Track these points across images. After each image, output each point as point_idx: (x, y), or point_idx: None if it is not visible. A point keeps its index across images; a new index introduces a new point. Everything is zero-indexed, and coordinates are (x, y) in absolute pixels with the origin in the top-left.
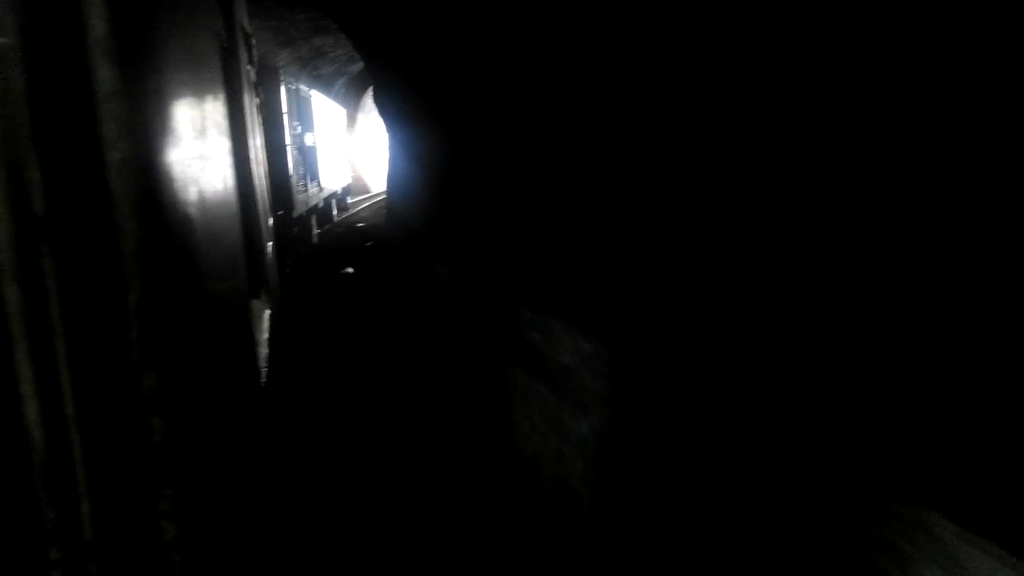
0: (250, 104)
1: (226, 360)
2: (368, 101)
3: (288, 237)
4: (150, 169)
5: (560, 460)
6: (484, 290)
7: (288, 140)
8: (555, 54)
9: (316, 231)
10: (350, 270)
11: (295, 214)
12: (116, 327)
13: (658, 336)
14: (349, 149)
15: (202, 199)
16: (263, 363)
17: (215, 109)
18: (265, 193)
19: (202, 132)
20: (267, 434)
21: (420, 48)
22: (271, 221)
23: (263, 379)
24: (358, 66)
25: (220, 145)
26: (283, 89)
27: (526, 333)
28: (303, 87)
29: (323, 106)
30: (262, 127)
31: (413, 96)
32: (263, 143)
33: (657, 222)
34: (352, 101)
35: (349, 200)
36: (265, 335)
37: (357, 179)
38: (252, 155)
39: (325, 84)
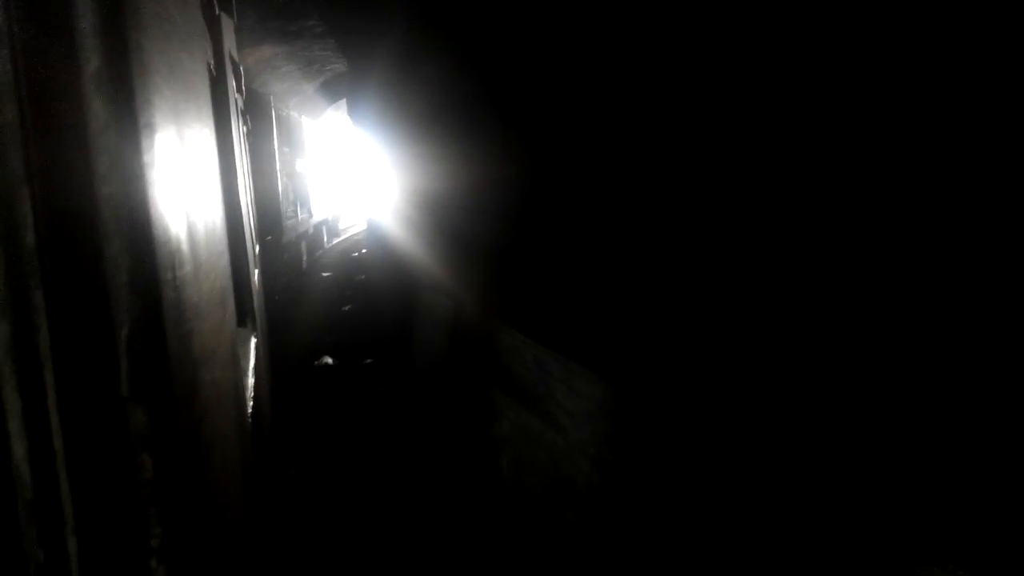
0: (238, 132)
1: (215, 393)
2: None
3: (278, 263)
4: (141, 203)
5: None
6: (472, 316)
7: (278, 166)
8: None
9: (306, 257)
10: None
11: (284, 240)
12: (106, 362)
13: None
14: (339, 176)
15: (192, 231)
16: (249, 392)
17: (204, 139)
18: (252, 221)
19: (192, 163)
20: (259, 466)
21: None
22: (258, 249)
23: (249, 409)
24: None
25: (209, 175)
26: (273, 115)
27: (508, 357)
28: (294, 113)
29: (315, 132)
30: (250, 154)
31: (415, 102)
32: (251, 170)
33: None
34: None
35: (340, 226)
36: (251, 363)
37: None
38: (240, 183)
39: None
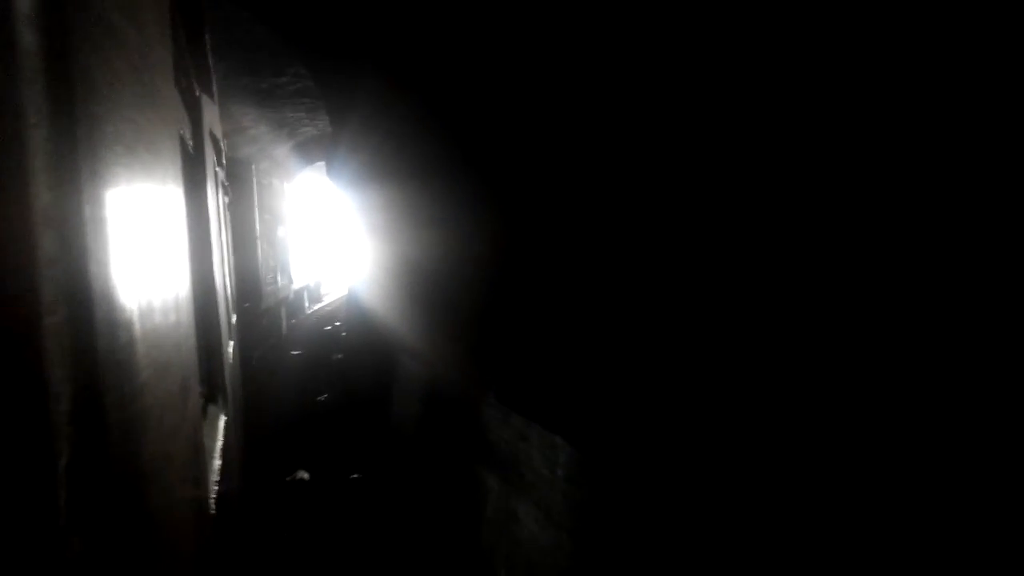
0: (217, 205)
1: (169, 504)
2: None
3: (256, 329)
4: (88, 312)
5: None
6: (454, 389)
7: (257, 232)
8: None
9: (285, 323)
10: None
11: (263, 306)
12: (43, 490)
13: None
14: (324, 243)
15: (150, 329)
16: (215, 476)
17: (171, 217)
18: (229, 292)
19: (152, 244)
20: (223, 550)
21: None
22: (234, 318)
23: (213, 499)
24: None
25: (175, 255)
26: (254, 182)
27: (492, 430)
28: (275, 181)
29: (294, 196)
30: (230, 225)
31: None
32: (230, 240)
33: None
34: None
35: (321, 291)
36: (219, 443)
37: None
38: (217, 256)
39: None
